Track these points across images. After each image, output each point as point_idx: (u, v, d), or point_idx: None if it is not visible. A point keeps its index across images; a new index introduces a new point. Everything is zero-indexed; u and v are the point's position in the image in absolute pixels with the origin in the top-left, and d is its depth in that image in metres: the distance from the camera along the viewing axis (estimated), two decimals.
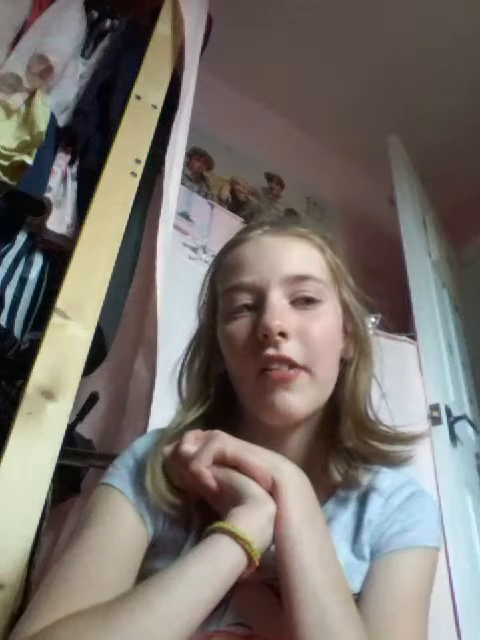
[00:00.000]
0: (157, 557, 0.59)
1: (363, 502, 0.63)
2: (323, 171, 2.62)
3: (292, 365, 0.59)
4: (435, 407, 1.68)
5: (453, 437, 1.64)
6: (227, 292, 0.64)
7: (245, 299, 0.62)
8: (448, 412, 1.68)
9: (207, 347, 0.68)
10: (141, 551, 0.58)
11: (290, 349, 0.59)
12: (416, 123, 2.43)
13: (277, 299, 0.60)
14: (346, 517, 0.63)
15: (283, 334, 0.58)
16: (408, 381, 1.74)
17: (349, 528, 0.62)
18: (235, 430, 0.61)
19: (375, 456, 0.63)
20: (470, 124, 2.45)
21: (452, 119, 2.47)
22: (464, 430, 1.75)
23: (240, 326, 0.61)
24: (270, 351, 0.58)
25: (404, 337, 1.85)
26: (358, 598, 0.58)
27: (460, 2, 2.07)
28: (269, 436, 0.63)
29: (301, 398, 0.59)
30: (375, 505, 0.63)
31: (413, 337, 1.86)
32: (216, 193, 2.30)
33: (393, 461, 0.63)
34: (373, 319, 1.73)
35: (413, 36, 2.21)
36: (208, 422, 0.63)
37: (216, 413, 0.65)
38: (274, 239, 0.65)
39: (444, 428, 1.64)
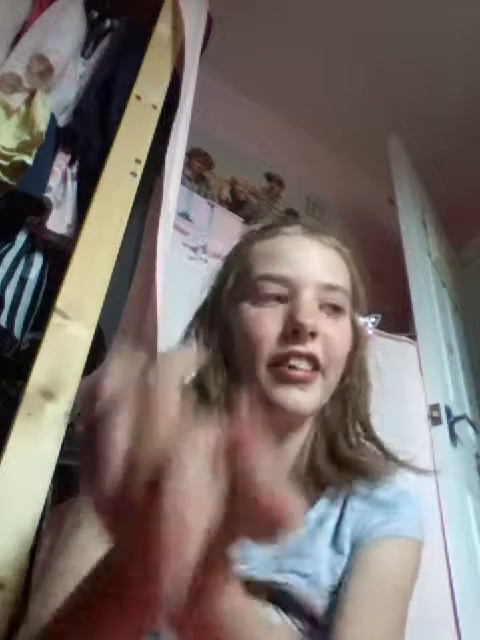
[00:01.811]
0: None
1: (347, 498, 0.65)
2: (323, 171, 2.62)
3: (313, 362, 0.60)
4: (435, 407, 1.68)
5: (453, 437, 1.64)
6: (257, 279, 0.64)
7: (277, 289, 0.62)
8: (448, 412, 1.68)
9: (219, 324, 0.67)
10: None
11: (316, 348, 0.60)
12: (416, 123, 2.43)
13: (310, 299, 0.61)
14: (333, 517, 0.64)
15: (314, 334, 0.59)
16: (408, 381, 1.74)
17: (334, 524, 0.63)
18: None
19: (362, 467, 0.64)
20: (470, 124, 2.45)
21: (452, 119, 2.47)
22: (464, 430, 1.75)
23: (268, 314, 0.61)
24: (298, 347, 0.59)
25: (404, 337, 1.85)
26: (335, 591, 0.58)
27: (460, 2, 2.07)
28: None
29: (311, 398, 0.60)
30: (357, 501, 0.64)
31: (413, 337, 1.86)
32: (216, 193, 2.30)
33: (377, 475, 0.65)
34: (373, 319, 1.74)
35: (413, 36, 2.21)
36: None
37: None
38: (314, 242, 0.67)
39: (444, 428, 1.64)
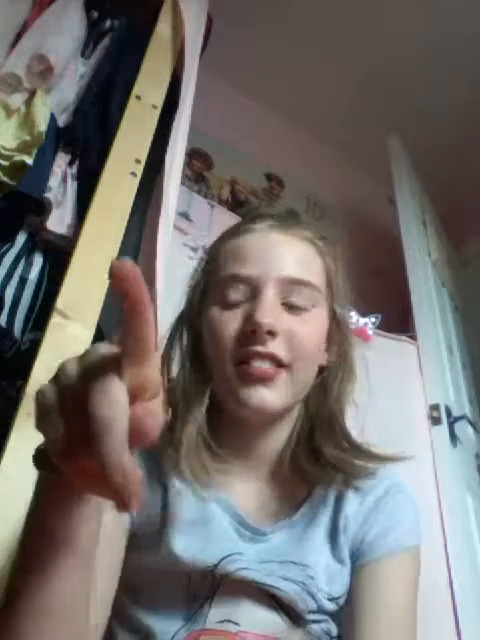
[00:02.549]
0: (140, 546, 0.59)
1: (339, 502, 0.63)
2: (323, 171, 2.62)
3: (275, 362, 0.59)
4: (435, 407, 1.68)
5: (453, 437, 1.64)
6: (224, 279, 0.64)
7: (240, 290, 0.62)
8: (448, 412, 1.68)
9: (195, 332, 0.68)
10: (123, 539, 0.58)
11: (276, 347, 0.59)
12: (416, 123, 2.43)
13: (271, 297, 0.60)
14: (324, 519, 0.63)
15: (272, 333, 0.59)
16: (408, 381, 1.74)
17: (328, 531, 0.62)
18: (212, 423, 0.62)
19: (343, 467, 0.63)
20: (470, 124, 2.45)
21: (452, 119, 2.47)
22: (464, 430, 1.75)
23: (230, 315, 0.61)
24: (257, 347, 0.59)
25: (404, 337, 1.85)
26: (334, 599, 0.59)
27: (460, 1, 2.07)
28: (245, 431, 0.64)
29: (277, 395, 0.59)
30: (351, 505, 0.63)
31: (413, 337, 1.86)
32: (216, 193, 2.30)
33: (358, 474, 0.63)
34: (373, 319, 1.74)
35: (413, 35, 2.21)
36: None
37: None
38: (280, 236, 0.65)
39: (444, 428, 1.64)
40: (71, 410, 0.31)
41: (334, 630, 0.60)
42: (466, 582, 1.41)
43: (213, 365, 0.63)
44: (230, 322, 0.61)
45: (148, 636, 0.56)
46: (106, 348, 0.32)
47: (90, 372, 0.31)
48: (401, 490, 0.66)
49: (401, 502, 0.65)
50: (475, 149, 2.50)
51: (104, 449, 0.28)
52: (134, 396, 0.31)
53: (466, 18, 2.11)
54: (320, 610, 0.58)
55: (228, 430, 0.64)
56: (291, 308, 0.62)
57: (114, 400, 0.29)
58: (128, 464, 0.28)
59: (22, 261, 1.11)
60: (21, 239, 1.12)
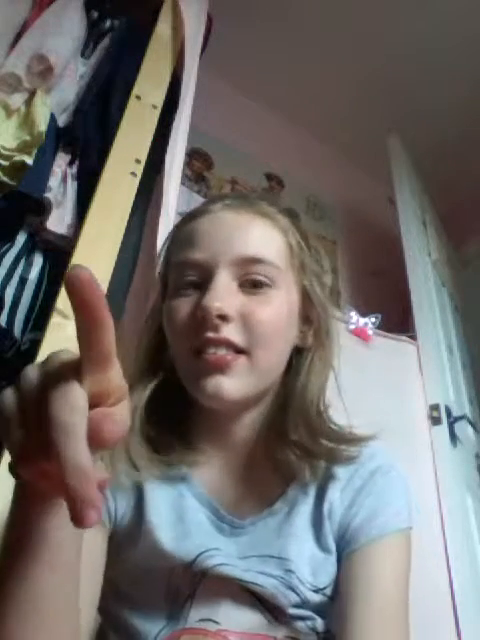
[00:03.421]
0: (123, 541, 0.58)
1: (321, 489, 0.61)
2: (323, 171, 2.62)
3: (232, 348, 0.56)
4: (435, 407, 1.68)
5: (453, 437, 1.64)
6: (176, 267, 0.62)
7: (192, 276, 0.59)
8: (448, 412, 1.68)
9: (158, 323, 0.64)
10: (103, 537, 0.57)
11: (230, 332, 0.56)
12: (416, 123, 2.43)
13: (223, 280, 0.57)
14: (306, 508, 0.60)
15: (223, 317, 0.56)
16: (408, 381, 1.74)
17: (311, 519, 0.60)
18: (185, 414, 0.62)
19: (320, 452, 0.60)
20: (470, 124, 2.45)
21: (452, 119, 2.47)
22: (464, 430, 1.75)
23: (183, 303, 0.59)
24: (209, 334, 0.56)
25: (404, 337, 1.85)
26: (320, 590, 0.57)
27: (460, 1, 2.07)
28: (215, 421, 0.62)
29: (236, 383, 0.56)
30: (335, 490, 0.60)
31: (413, 337, 1.86)
32: (216, 193, 2.30)
33: (338, 460, 0.60)
34: (373, 319, 1.74)
35: (413, 36, 2.21)
36: (159, 403, 0.61)
37: (167, 395, 0.62)
38: (233, 215, 0.62)
39: (444, 428, 1.64)
40: (31, 416, 0.31)
41: (320, 626, 0.57)
42: (466, 582, 1.41)
43: (175, 358, 0.61)
44: (183, 310, 0.58)
45: (134, 636, 0.55)
46: (67, 354, 0.33)
47: (50, 378, 0.31)
48: (390, 470, 0.62)
49: (391, 482, 0.61)
50: (475, 149, 2.50)
51: (63, 453, 0.28)
52: (97, 401, 0.31)
53: (466, 18, 2.11)
54: (304, 604, 0.56)
55: (199, 420, 0.62)
56: (248, 289, 0.58)
57: (74, 406, 0.29)
58: (87, 468, 0.28)
59: (22, 261, 1.11)
60: (21, 239, 1.12)
